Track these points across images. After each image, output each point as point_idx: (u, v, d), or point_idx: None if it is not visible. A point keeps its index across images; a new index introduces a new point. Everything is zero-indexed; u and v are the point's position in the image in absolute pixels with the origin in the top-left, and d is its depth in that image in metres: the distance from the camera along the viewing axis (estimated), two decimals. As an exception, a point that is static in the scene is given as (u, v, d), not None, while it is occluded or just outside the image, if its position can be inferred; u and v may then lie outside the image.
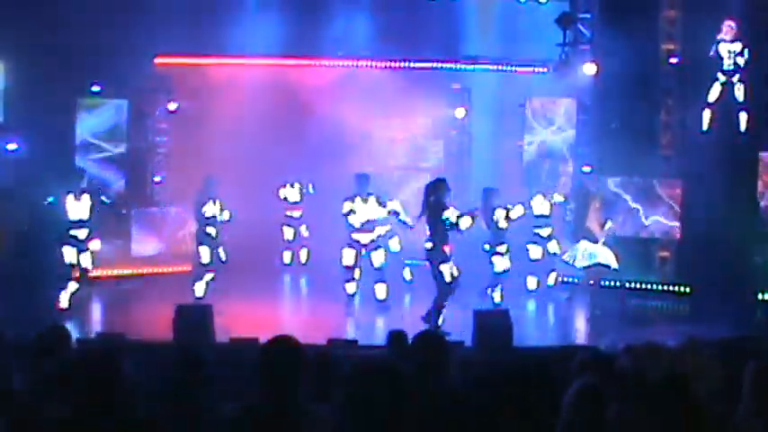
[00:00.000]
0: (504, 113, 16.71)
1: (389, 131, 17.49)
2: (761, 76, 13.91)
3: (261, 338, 5.34)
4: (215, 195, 13.11)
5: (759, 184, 13.96)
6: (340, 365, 5.87)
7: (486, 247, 13.16)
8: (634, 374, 5.10)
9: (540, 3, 15.97)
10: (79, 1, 13.75)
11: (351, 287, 13.12)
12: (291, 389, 4.20)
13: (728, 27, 14.00)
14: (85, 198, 12.54)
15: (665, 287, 14.50)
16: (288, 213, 16.13)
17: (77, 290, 12.53)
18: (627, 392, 4.72)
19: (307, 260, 16.05)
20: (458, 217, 11.21)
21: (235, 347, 9.35)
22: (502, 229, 13.09)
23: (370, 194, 13.06)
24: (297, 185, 16.05)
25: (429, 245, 11.36)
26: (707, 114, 14.24)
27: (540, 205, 13.92)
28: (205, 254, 13.14)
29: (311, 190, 15.86)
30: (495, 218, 12.96)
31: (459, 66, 17.16)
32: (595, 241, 13.07)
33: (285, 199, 16.06)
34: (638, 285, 14.32)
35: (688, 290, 14.20)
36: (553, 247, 14.06)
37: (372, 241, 13.04)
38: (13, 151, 14.16)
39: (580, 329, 12.92)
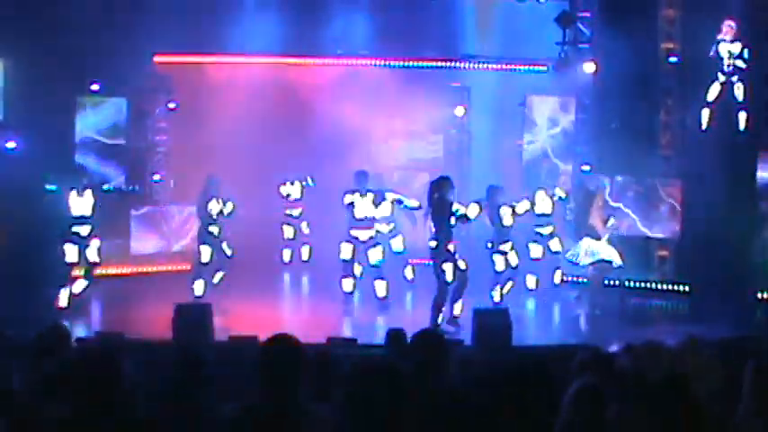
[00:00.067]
0: (503, 112, 16.71)
1: (389, 130, 17.49)
2: (761, 76, 13.90)
3: (260, 337, 5.34)
4: (218, 195, 13.13)
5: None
6: (340, 365, 5.87)
7: (489, 245, 13.17)
8: (634, 374, 5.10)
9: (539, 2, 15.97)
10: (79, 1, 13.74)
11: (348, 284, 13.06)
12: (291, 388, 4.20)
13: (728, 27, 13.99)
14: (88, 194, 12.57)
15: (665, 286, 14.51)
16: (287, 212, 16.13)
17: (87, 286, 12.57)
18: (627, 392, 4.72)
19: (309, 257, 16.04)
20: (465, 208, 11.28)
21: (234, 346, 9.35)
22: (506, 226, 13.10)
23: (368, 191, 13.07)
24: (297, 183, 16.05)
25: (433, 243, 11.38)
26: (706, 114, 14.24)
27: (542, 202, 13.92)
28: (206, 253, 13.15)
29: (311, 182, 15.83)
30: (500, 215, 12.97)
31: (458, 64, 17.16)
32: (598, 238, 13.06)
33: (287, 196, 16.05)
34: (637, 284, 14.32)
35: (687, 289, 14.20)
36: (555, 245, 14.06)
37: (371, 238, 13.04)
38: (12, 150, 14.15)
39: (581, 329, 12.90)
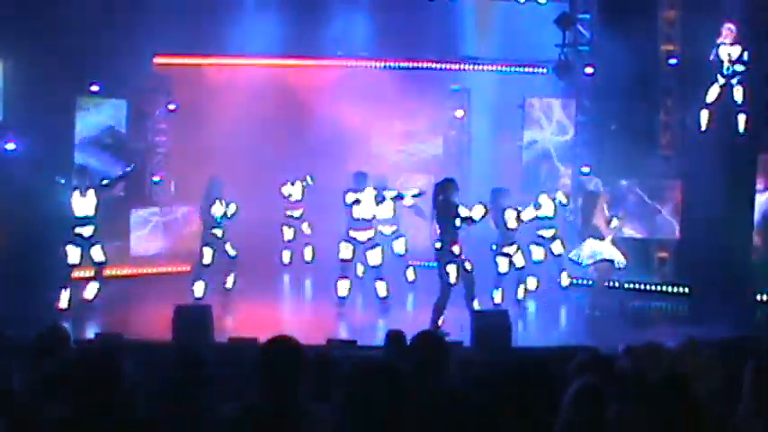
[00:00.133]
0: (503, 114, 16.71)
1: (388, 131, 17.50)
2: (760, 77, 13.92)
3: (260, 339, 5.35)
4: (221, 197, 13.13)
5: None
6: (339, 365, 5.87)
7: (494, 247, 13.15)
8: (634, 375, 5.10)
9: (539, 3, 15.98)
10: (79, 1, 13.74)
11: (343, 287, 12.95)
12: (291, 389, 4.20)
13: (728, 30, 14.00)
14: (90, 194, 12.57)
15: (665, 287, 14.51)
16: (288, 213, 16.12)
17: (99, 289, 12.57)
18: (627, 393, 4.73)
19: (312, 258, 16.03)
20: (469, 210, 11.29)
21: (234, 347, 9.35)
22: (511, 229, 13.08)
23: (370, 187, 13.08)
24: (299, 184, 16.05)
25: (438, 245, 11.39)
26: (705, 115, 14.26)
27: (545, 205, 13.88)
28: (208, 255, 13.16)
29: (310, 181, 15.82)
30: (504, 218, 12.94)
31: (458, 66, 17.17)
32: (602, 239, 13.05)
33: (289, 196, 16.04)
34: (637, 286, 14.32)
35: (687, 290, 14.20)
36: (557, 248, 14.01)
37: (370, 239, 13.03)
38: (11, 151, 14.15)
39: (581, 331, 12.90)
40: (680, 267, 14.78)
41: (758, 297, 13.49)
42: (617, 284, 13.78)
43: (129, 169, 13.78)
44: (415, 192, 13.08)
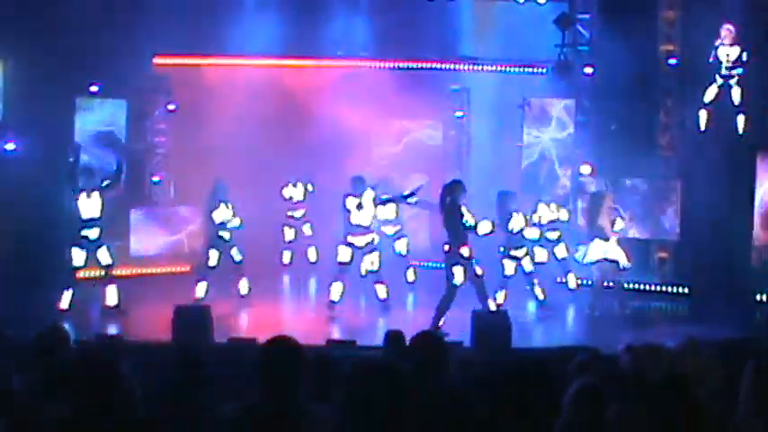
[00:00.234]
0: (503, 114, 16.71)
1: (388, 132, 17.49)
2: (761, 77, 13.92)
3: (260, 339, 5.34)
4: (226, 199, 13.12)
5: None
6: (339, 365, 5.87)
7: (501, 249, 13.09)
8: (634, 375, 5.10)
9: (538, 3, 15.97)
10: (79, 1, 13.74)
11: (336, 291, 12.83)
12: (291, 389, 4.20)
13: (727, 31, 14.01)
14: (95, 195, 12.56)
15: (665, 288, 14.52)
16: (289, 213, 16.12)
17: (119, 292, 12.60)
18: (627, 393, 4.73)
19: (317, 258, 16.02)
20: (476, 222, 11.25)
21: (234, 347, 9.35)
22: (518, 233, 13.00)
23: (369, 188, 13.04)
24: (300, 185, 16.04)
25: (446, 247, 11.37)
26: (703, 115, 14.27)
27: (548, 212, 13.82)
28: (213, 257, 13.15)
29: (310, 188, 15.84)
30: (510, 223, 12.86)
31: (457, 66, 17.16)
32: (607, 239, 13.03)
33: (290, 198, 16.04)
34: (637, 286, 14.32)
35: (687, 290, 14.21)
36: (561, 251, 13.94)
37: (368, 244, 12.99)
38: (11, 151, 14.15)
39: (581, 331, 12.90)
40: (680, 267, 14.79)
41: (758, 297, 13.50)
42: (617, 285, 13.77)
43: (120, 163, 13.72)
44: (416, 185, 12.99)
